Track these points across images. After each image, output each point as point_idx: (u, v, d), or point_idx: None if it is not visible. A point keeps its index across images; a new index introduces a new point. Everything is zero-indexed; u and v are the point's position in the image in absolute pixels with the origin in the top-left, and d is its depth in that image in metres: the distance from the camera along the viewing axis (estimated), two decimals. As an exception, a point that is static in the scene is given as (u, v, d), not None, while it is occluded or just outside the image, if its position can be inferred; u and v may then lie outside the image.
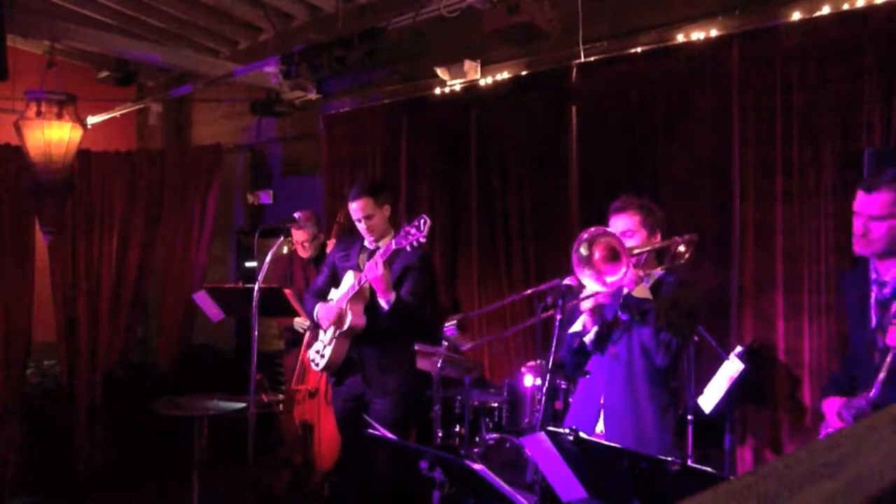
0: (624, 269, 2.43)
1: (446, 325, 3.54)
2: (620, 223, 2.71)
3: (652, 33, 4.07)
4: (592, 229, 2.51)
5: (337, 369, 3.58)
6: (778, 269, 3.65)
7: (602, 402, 2.67)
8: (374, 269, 3.30)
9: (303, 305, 3.89)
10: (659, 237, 2.73)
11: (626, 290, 2.56)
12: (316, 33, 5.24)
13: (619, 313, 2.63)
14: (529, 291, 3.01)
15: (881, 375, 2.28)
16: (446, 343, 4.15)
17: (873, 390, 2.29)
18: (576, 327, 2.74)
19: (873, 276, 2.44)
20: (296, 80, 5.10)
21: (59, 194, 5.17)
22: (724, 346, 3.61)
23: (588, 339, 2.72)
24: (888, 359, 2.28)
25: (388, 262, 3.38)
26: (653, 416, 2.60)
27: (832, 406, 2.44)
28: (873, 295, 2.42)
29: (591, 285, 2.50)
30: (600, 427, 2.66)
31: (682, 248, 2.74)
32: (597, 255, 2.51)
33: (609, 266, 2.49)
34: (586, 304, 2.61)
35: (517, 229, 4.63)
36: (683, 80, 3.99)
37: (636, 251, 2.57)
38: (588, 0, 4.23)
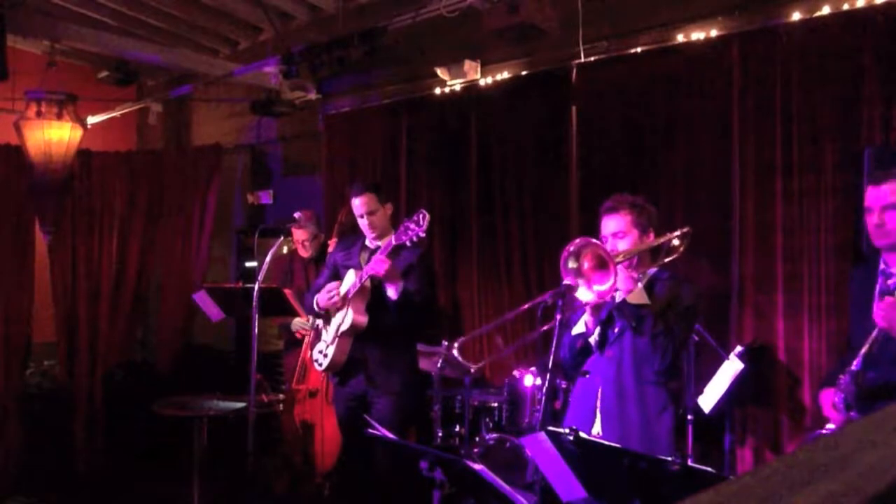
0: (612, 278, 2.42)
1: (453, 349, 3.56)
2: (612, 224, 2.70)
3: (652, 33, 4.06)
4: (578, 241, 2.50)
5: (340, 369, 3.58)
6: (778, 269, 3.65)
7: (598, 403, 2.67)
8: (381, 265, 3.30)
9: (303, 305, 3.89)
10: (652, 235, 2.72)
11: (621, 296, 2.55)
12: (316, 33, 5.25)
13: (616, 318, 2.62)
14: (527, 306, 3.00)
15: (864, 349, 2.30)
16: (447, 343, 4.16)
17: (855, 363, 2.31)
18: (578, 328, 2.74)
19: (881, 266, 2.45)
20: (296, 80, 5.10)
21: (59, 194, 5.17)
22: (724, 345, 3.61)
23: (593, 339, 2.71)
24: (873, 334, 2.29)
25: (391, 257, 3.39)
26: (650, 417, 2.60)
27: (826, 398, 2.45)
28: (878, 286, 2.42)
29: (584, 295, 2.49)
30: (597, 428, 2.65)
31: (676, 242, 2.73)
32: (586, 265, 2.50)
33: (599, 274, 2.48)
34: (588, 300, 2.59)
35: (517, 229, 4.63)
36: (683, 80, 3.99)
37: (619, 258, 2.53)
38: (588, 0, 4.23)
